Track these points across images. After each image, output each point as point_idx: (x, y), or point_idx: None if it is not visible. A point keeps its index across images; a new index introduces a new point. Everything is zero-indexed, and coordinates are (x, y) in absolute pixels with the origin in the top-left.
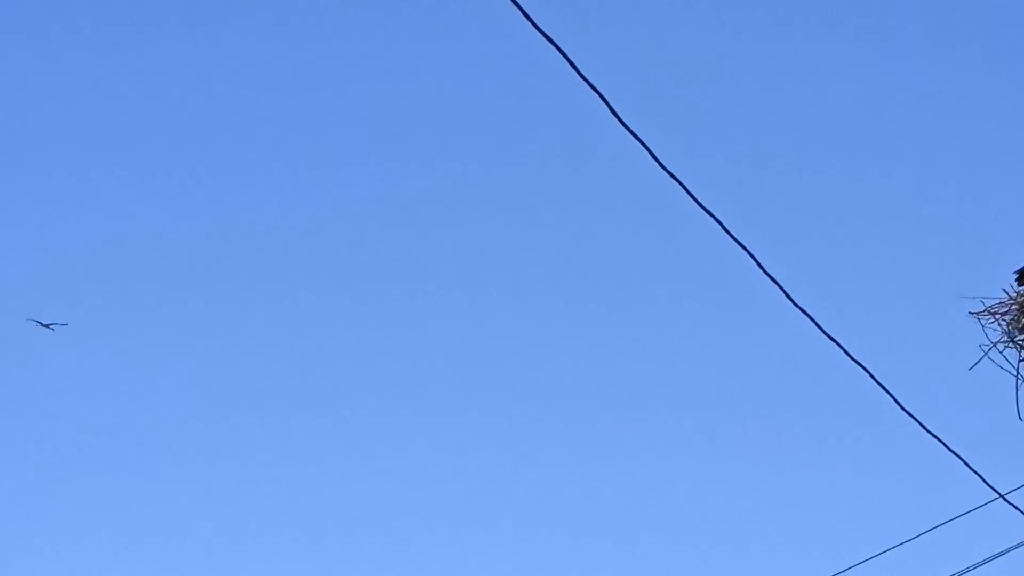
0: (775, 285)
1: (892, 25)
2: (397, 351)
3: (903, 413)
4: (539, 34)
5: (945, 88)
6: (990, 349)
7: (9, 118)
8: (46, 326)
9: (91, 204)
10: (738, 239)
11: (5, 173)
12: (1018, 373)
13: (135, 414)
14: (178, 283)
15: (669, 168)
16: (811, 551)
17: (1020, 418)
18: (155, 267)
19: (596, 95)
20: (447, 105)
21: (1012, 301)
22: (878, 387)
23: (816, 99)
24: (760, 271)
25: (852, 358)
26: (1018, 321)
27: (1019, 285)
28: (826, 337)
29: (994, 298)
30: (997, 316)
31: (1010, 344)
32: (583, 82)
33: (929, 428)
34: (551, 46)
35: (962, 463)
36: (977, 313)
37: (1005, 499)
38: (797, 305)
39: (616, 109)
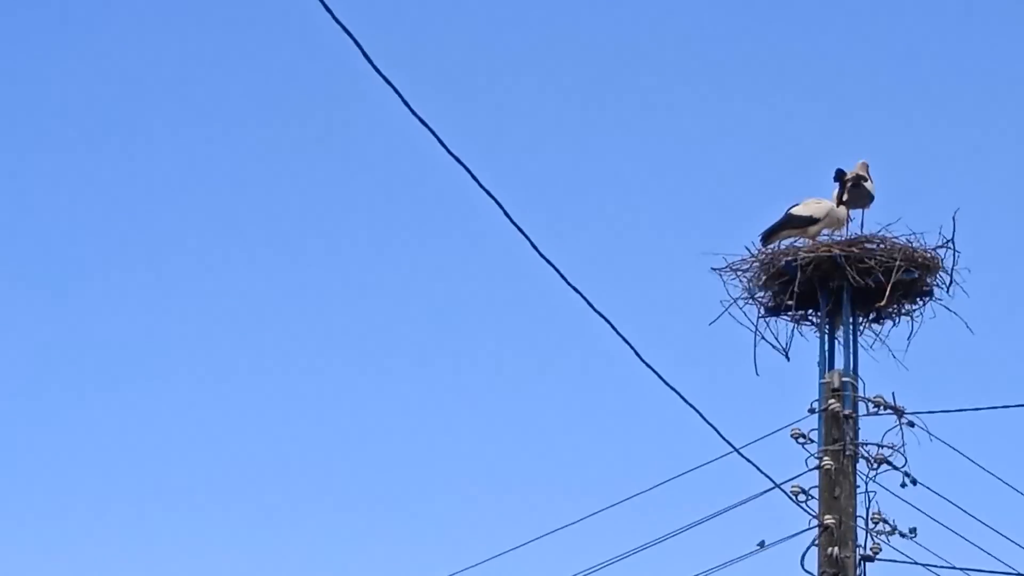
0: (521, 235)
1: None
2: None
3: (643, 365)
4: None
5: (692, 33)
6: (731, 305)
7: None
8: None
9: None
10: (485, 187)
11: None
12: (757, 329)
13: None
14: None
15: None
16: (550, 500)
17: (757, 374)
18: None
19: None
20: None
21: (754, 259)
22: (619, 338)
23: (562, 53)
24: (507, 219)
25: (594, 308)
26: (759, 278)
27: (764, 246)
28: (569, 287)
29: (736, 255)
30: (739, 273)
31: (750, 301)
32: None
33: (668, 380)
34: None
35: (699, 416)
36: (719, 269)
37: (740, 453)
38: (541, 254)
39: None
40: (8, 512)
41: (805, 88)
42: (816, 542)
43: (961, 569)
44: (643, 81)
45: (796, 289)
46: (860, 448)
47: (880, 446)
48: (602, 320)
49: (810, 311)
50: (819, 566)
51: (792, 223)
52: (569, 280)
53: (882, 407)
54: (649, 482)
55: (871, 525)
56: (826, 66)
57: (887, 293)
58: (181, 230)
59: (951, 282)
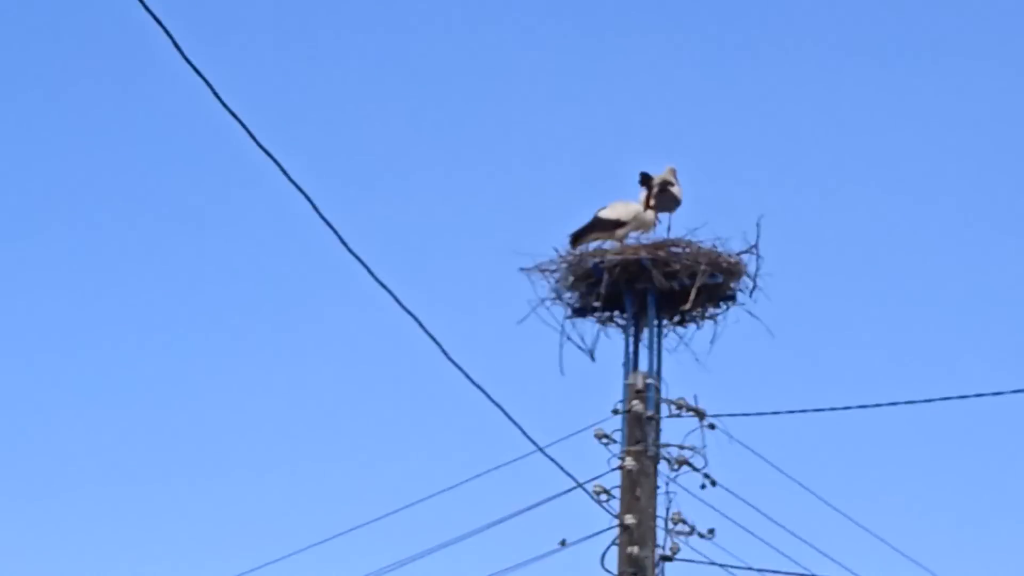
0: (330, 229)
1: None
2: None
3: (449, 363)
4: None
5: (502, 31)
6: (538, 305)
7: None
8: None
9: None
10: (294, 180)
11: None
12: (563, 330)
13: None
14: None
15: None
16: (353, 496)
17: (563, 374)
18: None
19: None
20: None
21: (562, 260)
22: (426, 336)
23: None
24: (316, 214)
25: (402, 305)
26: (566, 279)
27: (573, 247)
28: (377, 283)
29: (545, 256)
30: (546, 273)
31: (557, 301)
32: None
33: (473, 379)
34: None
35: (504, 414)
36: (527, 269)
37: (543, 452)
38: (350, 249)
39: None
40: None
41: (615, 91)
42: (616, 541)
43: (757, 570)
44: (456, 80)
45: (602, 291)
46: (661, 449)
47: (681, 447)
48: (409, 317)
49: (616, 313)
50: (619, 565)
51: (600, 226)
52: (377, 276)
53: (684, 409)
54: (453, 479)
55: (671, 525)
56: (635, 70)
57: (692, 297)
58: None
59: (754, 287)
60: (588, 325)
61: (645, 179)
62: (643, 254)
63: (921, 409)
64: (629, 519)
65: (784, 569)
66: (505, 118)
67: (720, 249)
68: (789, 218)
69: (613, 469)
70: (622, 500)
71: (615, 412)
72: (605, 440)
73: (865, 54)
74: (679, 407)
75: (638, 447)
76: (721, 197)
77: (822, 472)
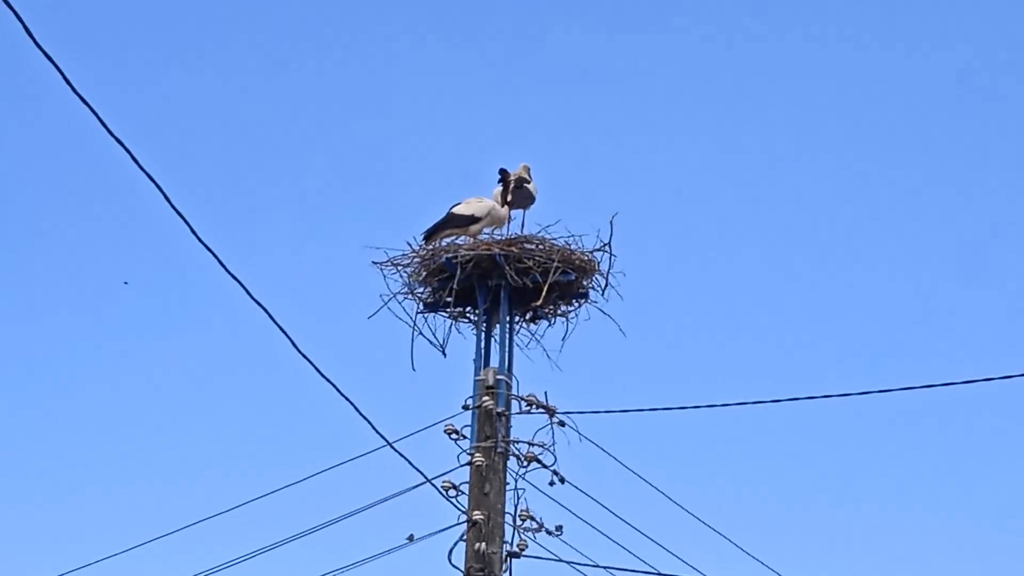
0: (181, 219)
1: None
2: None
3: (299, 355)
4: None
5: (370, 27)
6: (390, 299)
7: None
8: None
9: None
10: (145, 169)
11: None
12: (415, 325)
13: None
14: None
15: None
16: (199, 489)
17: (414, 369)
18: None
19: None
20: None
21: (415, 254)
22: (276, 328)
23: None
24: (167, 203)
25: (252, 297)
26: (419, 274)
27: (426, 244)
28: (228, 274)
29: (398, 250)
30: (399, 267)
31: (410, 295)
32: None
33: (323, 372)
34: None
35: (354, 409)
36: (380, 263)
37: (392, 446)
38: (200, 240)
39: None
40: None
41: (470, 88)
42: (464, 537)
43: (604, 567)
44: (313, 72)
45: (455, 286)
46: (511, 446)
47: (531, 444)
48: (259, 309)
49: (468, 308)
50: (466, 561)
51: (454, 222)
52: (228, 268)
53: (534, 406)
54: (301, 473)
55: (519, 522)
56: (490, 67)
57: (544, 293)
58: None
59: (607, 285)
60: (440, 320)
61: (503, 175)
62: (496, 250)
63: (770, 409)
64: (477, 515)
65: (631, 567)
66: (360, 114)
67: (573, 247)
68: (642, 217)
69: (462, 465)
70: (471, 496)
71: (465, 408)
72: (455, 436)
73: (721, 49)
74: (529, 404)
75: (488, 443)
76: (575, 195)
77: (671, 471)
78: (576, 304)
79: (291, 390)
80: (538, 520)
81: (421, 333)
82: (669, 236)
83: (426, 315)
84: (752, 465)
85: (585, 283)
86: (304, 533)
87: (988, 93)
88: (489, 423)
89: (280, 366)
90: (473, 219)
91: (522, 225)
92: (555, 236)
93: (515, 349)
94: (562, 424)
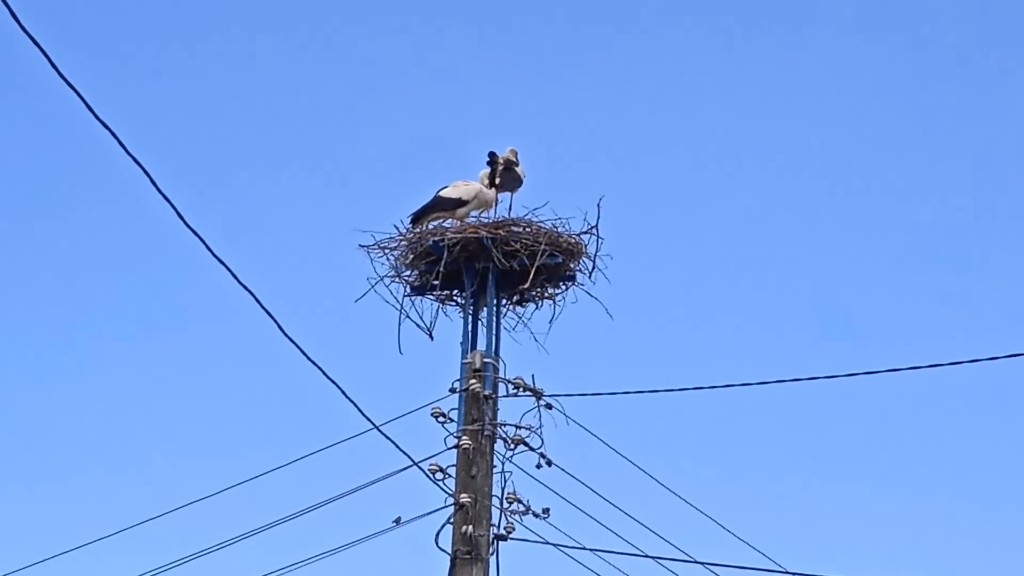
0: (167, 203)
1: None
2: None
3: (286, 338)
4: None
5: (353, 14)
6: (377, 282)
7: None
8: None
9: None
10: (132, 153)
11: None
12: (402, 308)
13: None
14: None
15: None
16: (183, 473)
17: (401, 352)
18: None
19: None
20: None
21: (402, 237)
22: (263, 311)
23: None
24: (154, 188)
25: (238, 280)
26: (406, 257)
27: (413, 228)
28: (214, 257)
29: (385, 233)
30: (386, 251)
31: (397, 279)
32: None
33: (310, 355)
34: None
35: (340, 392)
36: (367, 247)
37: (379, 429)
38: (187, 224)
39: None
40: None
41: (457, 72)
42: (451, 520)
43: (591, 550)
44: (300, 56)
45: (442, 269)
46: (499, 428)
47: (518, 427)
48: (246, 292)
49: (455, 292)
50: (453, 544)
51: (441, 205)
52: (214, 251)
53: (522, 389)
54: (288, 456)
55: (506, 505)
56: (477, 50)
57: (531, 276)
58: None
59: (594, 268)
60: (427, 304)
61: (492, 158)
62: (483, 233)
63: (757, 391)
64: (464, 498)
65: (618, 549)
66: (347, 98)
67: (560, 229)
68: (629, 200)
69: (449, 448)
70: (458, 479)
71: (452, 391)
72: (442, 419)
73: (711, 33)
74: (517, 387)
75: (475, 426)
76: (562, 178)
77: (658, 453)
78: (563, 287)
79: (278, 373)
80: (525, 503)
81: (408, 316)
82: (656, 219)
83: (413, 298)
84: (739, 447)
85: (572, 266)
86: (291, 516)
87: (983, 83)
88: (476, 406)
89: (267, 349)
90: (460, 202)
91: (509, 208)
92: (542, 219)
93: (502, 332)
94: (549, 407)
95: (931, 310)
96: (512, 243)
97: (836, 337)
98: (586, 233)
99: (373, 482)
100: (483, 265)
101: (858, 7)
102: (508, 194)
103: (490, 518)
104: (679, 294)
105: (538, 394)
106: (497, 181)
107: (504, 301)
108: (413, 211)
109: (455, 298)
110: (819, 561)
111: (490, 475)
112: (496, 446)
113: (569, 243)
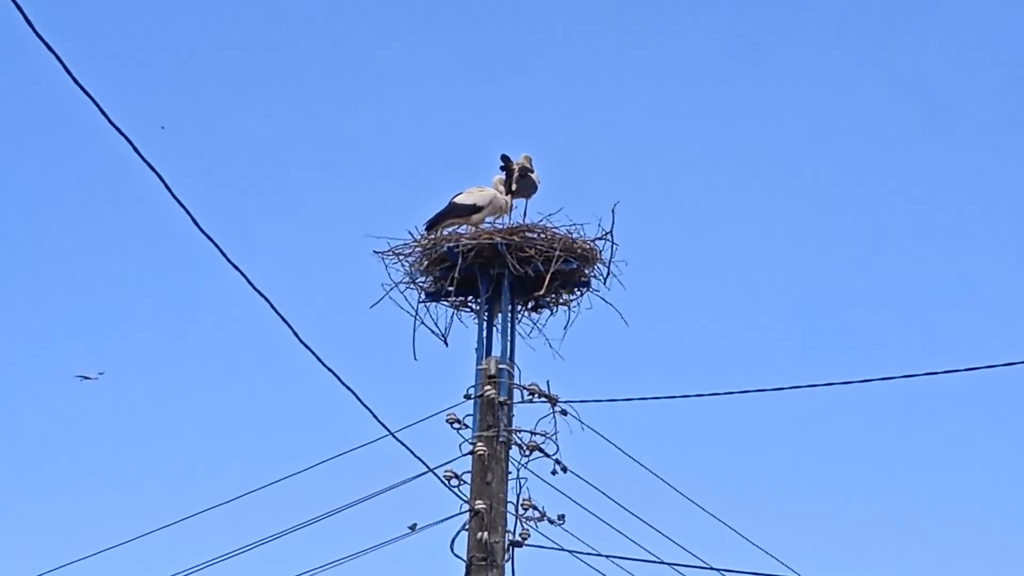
0: (182, 209)
1: None
2: None
3: (301, 345)
4: None
5: (364, 19)
6: (392, 289)
7: None
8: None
9: None
10: (148, 161)
11: None
12: (417, 314)
13: None
14: None
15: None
16: (201, 480)
17: (416, 358)
18: None
19: None
20: None
21: (416, 243)
22: (278, 317)
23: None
24: (168, 193)
25: (253, 286)
26: (420, 263)
27: (428, 233)
28: (229, 264)
29: (399, 239)
30: (401, 257)
31: (411, 285)
32: None
33: (325, 362)
34: None
35: (356, 398)
36: (382, 253)
37: (394, 436)
38: (202, 229)
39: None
40: None
41: (471, 78)
42: (466, 527)
43: (606, 556)
44: (314, 60)
45: (457, 275)
46: (513, 435)
47: (533, 433)
48: (261, 298)
49: (470, 298)
50: (468, 551)
51: (456, 212)
52: (230, 257)
53: (536, 395)
54: (304, 463)
55: (521, 511)
56: (491, 56)
57: (546, 282)
58: None
59: (608, 274)
60: (442, 310)
61: (507, 164)
62: (498, 239)
63: (773, 397)
64: (480, 504)
65: (633, 556)
66: (362, 103)
67: (575, 235)
68: (644, 206)
69: (464, 454)
70: (473, 485)
71: (467, 397)
72: (457, 425)
73: (729, 39)
74: (532, 393)
75: (490, 432)
76: (577, 183)
77: (673, 459)
78: (578, 293)
79: (293, 380)
80: (540, 509)
81: (423, 322)
82: (671, 224)
83: (428, 304)
84: (755, 453)
85: (587, 272)
86: (307, 523)
87: (985, 85)
88: (491, 412)
89: (282, 356)
90: (475, 208)
91: (524, 214)
92: (557, 225)
93: (517, 338)
94: (564, 413)
95: (952, 315)
96: (527, 249)
97: (853, 343)
98: (601, 239)
99: (388, 489)
100: (498, 271)
101: (883, 9)
102: (523, 200)
103: (505, 525)
104: (694, 300)
105: (553, 400)
106: (514, 187)
107: (519, 307)
108: (428, 218)
109: (470, 304)
110: (836, 567)
111: (505, 481)
112: (511, 452)
113: (584, 249)
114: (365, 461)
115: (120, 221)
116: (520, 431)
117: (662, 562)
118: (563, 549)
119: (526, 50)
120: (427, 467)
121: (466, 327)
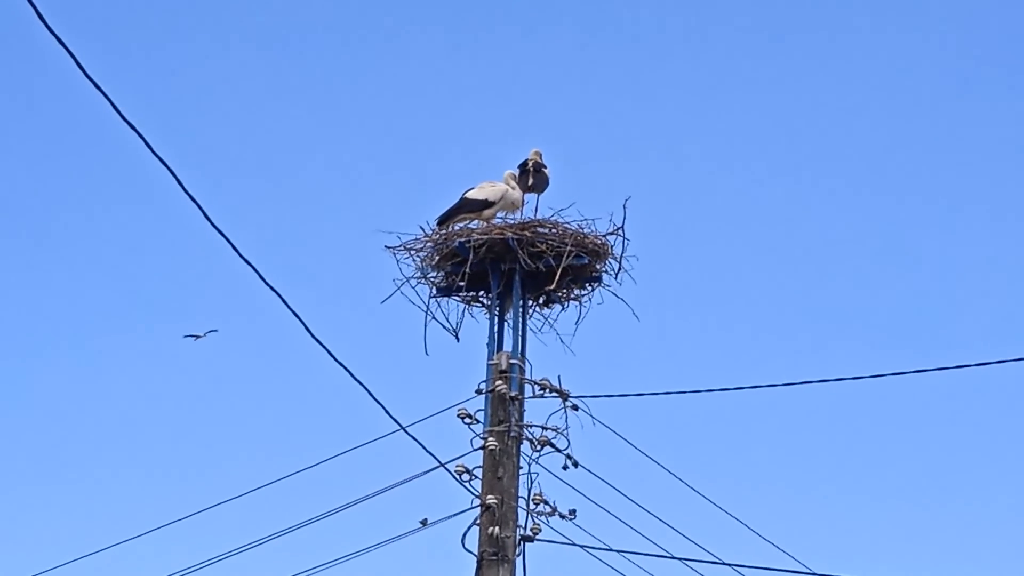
0: (195, 205)
1: None
2: None
3: (313, 340)
4: None
5: (375, 13)
6: (403, 284)
7: None
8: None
9: None
10: (159, 155)
11: None
12: (428, 309)
13: None
14: None
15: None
16: (210, 475)
17: (427, 353)
18: None
19: None
20: None
21: (428, 238)
22: (290, 312)
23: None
24: (180, 189)
25: (265, 281)
26: (432, 258)
27: (440, 229)
28: (241, 259)
29: (410, 234)
30: (412, 252)
31: (423, 280)
32: None
33: (337, 357)
34: None
35: (367, 393)
36: (393, 248)
37: (406, 431)
38: (214, 225)
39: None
40: None
41: (482, 73)
42: (478, 521)
43: (618, 551)
44: (326, 57)
45: (468, 270)
46: (525, 430)
47: (544, 428)
48: (273, 293)
49: (481, 293)
50: (480, 545)
51: (468, 207)
52: (241, 252)
53: (548, 390)
54: (315, 458)
55: (532, 506)
56: (502, 52)
57: (557, 277)
58: None
59: (620, 269)
60: (453, 305)
61: (524, 164)
62: (509, 234)
63: (784, 392)
64: (491, 499)
65: (645, 551)
66: (374, 99)
67: (586, 230)
68: (655, 201)
69: (476, 449)
70: (484, 480)
71: (478, 392)
72: (468, 420)
73: (739, 35)
74: (543, 388)
75: (501, 427)
76: (588, 179)
77: (684, 454)
78: (589, 288)
79: (305, 375)
80: (551, 504)
81: (434, 317)
82: (682, 220)
83: (439, 299)
84: (765, 448)
85: (598, 267)
86: (318, 517)
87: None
88: (502, 407)
89: (294, 351)
90: (487, 203)
91: (535, 209)
92: (568, 220)
93: (528, 333)
94: (575, 408)
95: (962, 310)
96: (538, 244)
97: (864, 337)
98: (612, 234)
99: (399, 483)
100: (509, 266)
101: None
102: (534, 195)
103: (516, 519)
104: (705, 295)
105: (564, 395)
106: (530, 183)
107: (530, 302)
108: (439, 213)
109: (481, 299)
110: (846, 562)
111: (516, 476)
112: (522, 447)
113: (595, 244)
114: (376, 456)
115: (133, 216)
116: (531, 426)
117: (673, 557)
118: (574, 544)
119: (538, 46)
120: (438, 462)
121: (477, 322)
